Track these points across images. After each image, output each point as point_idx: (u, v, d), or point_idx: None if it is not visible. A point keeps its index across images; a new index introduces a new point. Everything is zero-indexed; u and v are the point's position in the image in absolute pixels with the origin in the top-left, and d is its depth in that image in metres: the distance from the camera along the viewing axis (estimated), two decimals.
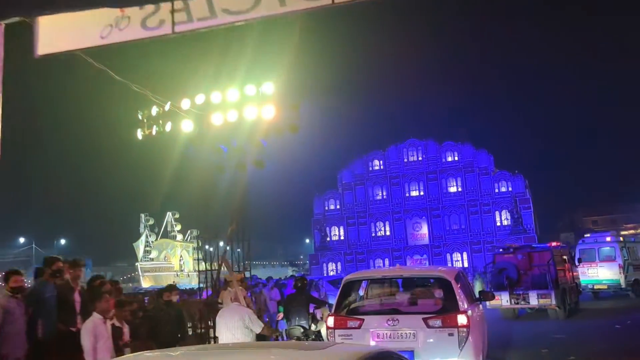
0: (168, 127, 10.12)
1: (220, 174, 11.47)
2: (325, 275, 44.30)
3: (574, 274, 18.78)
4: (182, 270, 69.73)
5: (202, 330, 10.30)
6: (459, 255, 43.79)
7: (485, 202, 44.43)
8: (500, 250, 19.65)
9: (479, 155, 46.21)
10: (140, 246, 67.36)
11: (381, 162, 48.58)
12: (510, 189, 44.62)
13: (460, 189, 45.81)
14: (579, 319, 16.51)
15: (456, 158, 46.83)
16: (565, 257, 18.41)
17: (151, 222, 69.77)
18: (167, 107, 10.17)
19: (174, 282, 59.59)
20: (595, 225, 77.85)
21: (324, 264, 46.32)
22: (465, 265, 42.89)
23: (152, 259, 68.36)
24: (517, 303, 16.24)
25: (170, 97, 10.50)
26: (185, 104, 9.93)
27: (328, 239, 47.56)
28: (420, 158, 47.57)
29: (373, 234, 46.72)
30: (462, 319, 6.64)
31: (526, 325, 16.14)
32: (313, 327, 9.13)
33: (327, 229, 47.78)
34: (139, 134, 10.29)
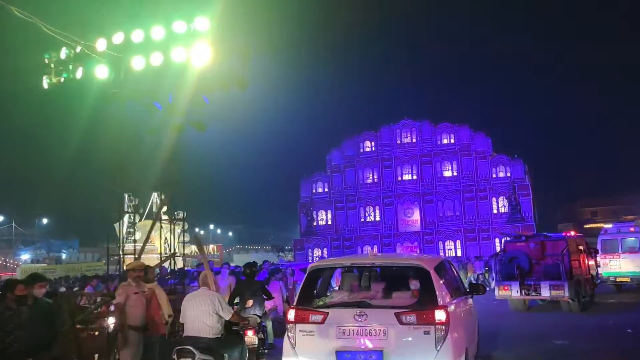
0: (79, 73, 8.10)
1: (152, 136, 9.37)
2: (311, 262, 41.91)
3: (590, 265, 17.69)
4: (166, 253, 67.21)
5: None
6: (452, 243, 41.39)
7: (482, 187, 41.96)
8: (512, 238, 18.45)
9: (476, 137, 43.67)
10: (122, 227, 64.77)
11: (373, 143, 46.00)
12: (508, 174, 42.15)
13: (455, 174, 43.30)
14: (592, 313, 15.37)
15: (452, 140, 44.27)
16: (581, 247, 17.24)
17: (135, 202, 67.13)
18: (78, 49, 8.09)
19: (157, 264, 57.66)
20: (595, 217, 75.77)
21: (310, 250, 43.88)
22: (459, 254, 40.53)
23: (135, 241, 65.82)
24: (528, 294, 15.44)
25: (83, 36, 8.35)
26: (100, 44, 7.90)
27: (315, 223, 45.06)
28: (414, 140, 45.00)
29: (362, 219, 44.24)
30: (440, 315, 5.83)
31: (533, 319, 14.95)
32: (258, 319, 8.45)
33: (314, 213, 45.27)
34: (45, 82, 8.30)
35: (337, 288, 8.17)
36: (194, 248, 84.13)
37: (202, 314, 6.34)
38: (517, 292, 15.42)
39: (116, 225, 60.21)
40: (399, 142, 45.23)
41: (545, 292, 15.10)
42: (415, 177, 44.01)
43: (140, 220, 67.14)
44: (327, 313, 6.16)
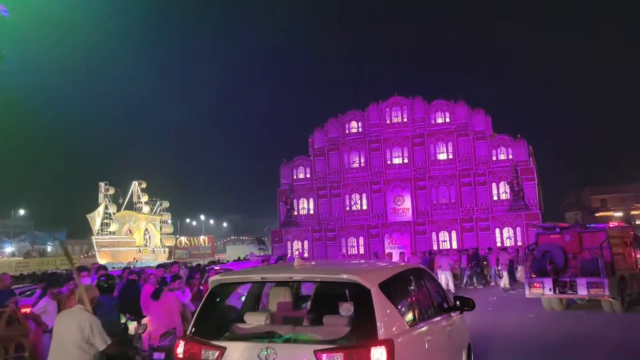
0: None
1: None
2: (290, 256, 37.51)
3: (638, 258, 16.15)
4: (145, 246, 62.99)
5: None
6: (446, 234, 36.78)
7: (480, 171, 37.28)
8: (544, 229, 17.02)
9: (474, 116, 38.96)
10: (96, 218, 60.43)
11: (359, 123, 41.36)
12: (510, 156, 37.44)
13: (451, 156, 38.63)
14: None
15: (447, 119, 39.58)
16: (627, 239, 15.86)
17: (111, 191, 62.79)
18: None
19: (134, 258, 52.87)
20: (604, 205, 71.17)
21: (289, 242, 39.41)
22: (454, 246, 35.97)
23: (112, 233, 61.58)
24: (563, 292, 14.34)
25: None
26: None
27: (295, 213, 40.57)
28: (405, 119, 40.32)
29: (347, 208, 39.68)
30: (378, 354, 4.11)
31: (566, 321, 13.39)
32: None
33: (295, 201, 40.77)
34: None
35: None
36: (184, 239, 79.24)
37: (68, 341, 4.92)
38: (550, 290, 14.36)
39: (92, 215, 55.74)
40: (388, 122, 40.59)
41: (583, 291, 13.88)
42: (406, 160, 39.39)
43: (119, 210, 63.07)
44: (224, 348, 4.49)
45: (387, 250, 36.36)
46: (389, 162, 39.72)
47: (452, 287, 25.53)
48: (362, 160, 40.40)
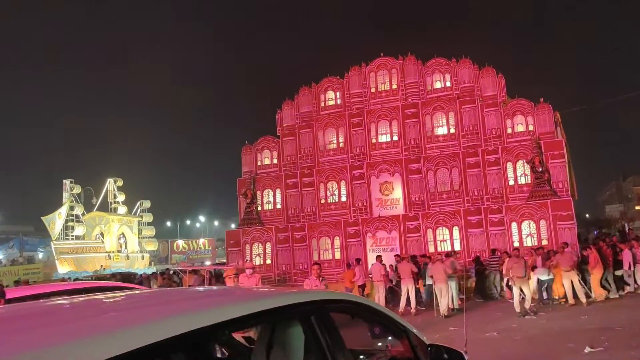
0: None
1: None
2: (249, 265, 29.25)
3: None
4: (119, 251, 55.33)
5: None
6: (446, 232, 27.82)
7: (491, 148, 28.31)
8: None
9: (482, 78, 29.98)
10: (56, 221, 53.06)
11: (338, 94, 32.76)
12: (530, 127, 28.38)
13: (452, 130, 29.73)
14: None
15: (448, 83, 30.70)
16: None
17: (76, 190, 55.39)
18: None
19: (102, 266, 45.09)
20: None
21: (247, 246, 30.98)
22: (457, 247, 27.07)
23: (79, 237, 54.19)
24: None
25: None
26: None
27: (258, 208, 32.18)
28: (394, 85, 31.56)
29: (322, 200, 31.08)
30: None
31: None
32: None
33: (258, 193, 32.38)
34: None
35: None
36: (181, 243, 70.93)
37: None
38: None
39: (50, 218, 48.11)
40: (373, 89, 31.88)
41: None
42: (395, 137, 30.61)
43: (92, 210, 55.55)
44: None
45: (370, 254, 27.78)
46: (374, 141, 31.00)
47: (456, 302, 18.58)
48: (341, 139, 31.77)
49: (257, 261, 30.33)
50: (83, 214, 55.49)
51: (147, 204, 62.38)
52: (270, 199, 32.31)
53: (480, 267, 22.11)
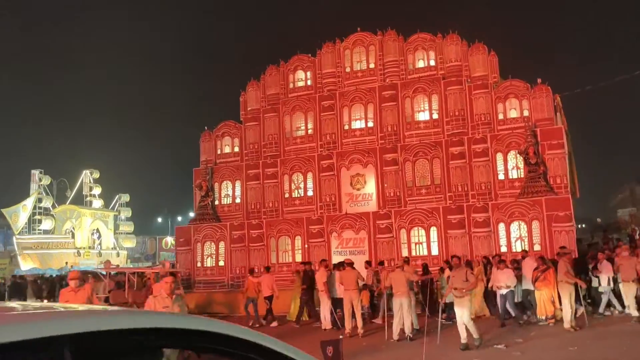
0: None
1: None
2: (201, 267, 25.61)
3: None
4: (91, 248, 51.73)
5: None
6: (422, 233, 23.77)
7: (480, 136, 24.24)
8: None
9: (472, 55, 25.99)
10: (20, 213, 49.52)
11: (309, 73, 28.82)
12: (525, 112, 24.32)
13: (435, 115, 25.71)
14: None
15: (432, 62, 26.70)
16: None
17: (45, 181, 51.84)
18: None
19: (67, 263, 41.63)
20: None
21: (198, 246, 27.09)
22: (434, 251, 23.08)
23: (48, 231, 50.65)
24: None
25: None
26: None
27: (215, 202, 28.35)
28: (371, 64, 27.60)
29: (286, 194, 27.16)
30: None
31: None
32: None
33: (217, 185, 28.54)
34: None
35: None
36: (170, 240, 67.24)
37: None
38: None
39: (12, 210, 44.60)
40: (348, 69, 27.93)
41: None
42: (371, 123, 26.64)
43: (54, 204, 51.97)
44: None
45: (335, 257, 23.84)
46: (346, 127, 27.03)
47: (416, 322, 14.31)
48: (310, 126, 27.83)
49: (209, 262, 26.48)
50: (54, 207, 51.99)
51: (125, 197, 58.73)
52: (229, 192, 28.43)
53: (428, 277, 17.80)
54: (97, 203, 55.37)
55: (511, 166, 23.78)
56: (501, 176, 23.81)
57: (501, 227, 22.24)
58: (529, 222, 21.79)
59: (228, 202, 28.32)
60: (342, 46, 28.14)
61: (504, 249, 21.88)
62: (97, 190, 55.66)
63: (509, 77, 25.03)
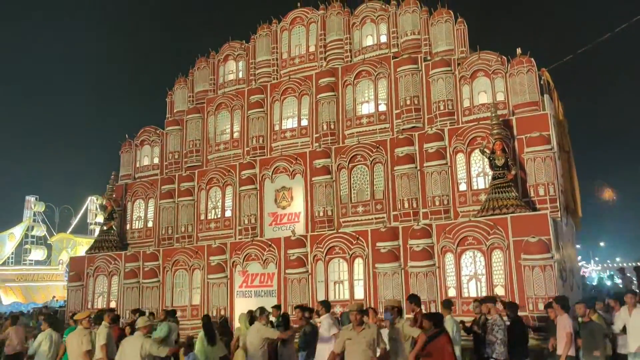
0: None
1: None
2: (90, 307, 20.03)
3: None
4: None
5: None
6: (344, 266, 16.86)
7: (433, 132, 17.28)
8: None
9: (435, 25, 19.24)
10: (6, 242, 46.21)
11: (241, 63, 23.01)
12: (499, 97, 17.25)
13: (383, 107, 19.04)
14: None
15: (384, 37, 20.19)
16: None
17: (40, 207, 48.54)
18: None
19: (54, 297, 37.51)
20: None
21: (91, 281, 21.38)
22: (358, 294, 16.19)
23: (39, 262, 47.12)
24: None
25: None
26: None
27: (127, 227, 22.81)
28: (311, 47, 21.38)
29: (202, 216, 21.11)
30: None
31: None
32: None
33: (129, 205, 23.03)
34: None
35: None
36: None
37: None
38: None
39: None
40: (285, 55, 21.87)
41: None
42: (305, 121, 20.29)
43: (47, 232, 48.38)
44: None
45: (239, 299, 17.61)
46: (277, 128, 20.80)
47: None
48: (237, 128, 21.85)
49: (99, 303, 20.72)
50: (51, 235, 48.58)
51: None
52: (141, 214, 22.77)
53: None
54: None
55: (477, 171, 16.62)
56: (463, 186, 16.67)
57: (448, 259, 15.03)
58: (487, 253, 14.49)
59: (139, 227, 22.63)
60: (280, 27, 22.18)
61: (452, 291, 14.70)
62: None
63: (477, 48, 18.00)
